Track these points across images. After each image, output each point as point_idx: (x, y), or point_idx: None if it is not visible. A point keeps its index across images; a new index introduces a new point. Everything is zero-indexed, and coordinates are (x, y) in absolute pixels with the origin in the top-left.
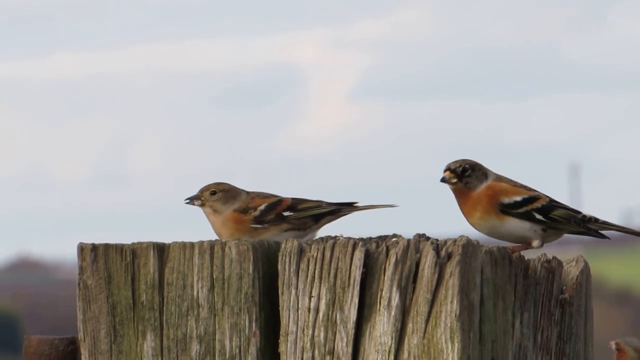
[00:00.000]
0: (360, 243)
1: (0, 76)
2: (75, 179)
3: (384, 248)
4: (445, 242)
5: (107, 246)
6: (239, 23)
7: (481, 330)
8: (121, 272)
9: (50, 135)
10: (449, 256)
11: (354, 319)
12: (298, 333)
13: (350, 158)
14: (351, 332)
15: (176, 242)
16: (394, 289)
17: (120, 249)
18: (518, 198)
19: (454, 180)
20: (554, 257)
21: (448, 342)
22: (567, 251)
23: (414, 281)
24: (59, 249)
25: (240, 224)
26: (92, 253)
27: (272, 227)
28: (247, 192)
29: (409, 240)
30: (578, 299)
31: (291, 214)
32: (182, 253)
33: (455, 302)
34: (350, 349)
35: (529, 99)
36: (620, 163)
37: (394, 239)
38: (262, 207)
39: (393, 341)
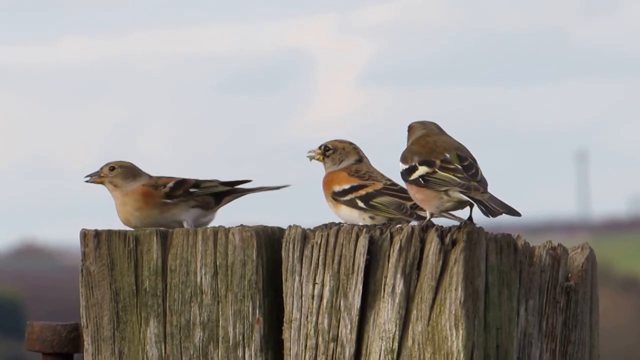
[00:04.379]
0: (365, 230)
1: (9, 61)
2: (81, 164)
3: (388, 235)
4: (450, 229)
5: (110, 232)
6: (248, 9)
7: (486, 318)
8: (124, 258)
9: (56, 121)
10: (454, 243)
11: (358, 306)
12: (302, 320)
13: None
14: (355, 319)
15: (179, 228)
16: (399, 275)
17: (123, 235)
18: (346, 186)
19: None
20: (559, 245)
21: (452, 329)
22: (573, 238)
23: (419, 268)
24: (64, 234)
25: (150, 197)
26: (95, 239)
27: (181, 203)
28: (150, 175)
29: (413, 227)
30: (583, 286)
31: (196, 190)
32: (185, 239)
33: (459, 289)
34: (354, 336)
35: (537, 84)
36: (628, 149)
37: (398, 226)
38: (171, 184)
39: (397, 328)
